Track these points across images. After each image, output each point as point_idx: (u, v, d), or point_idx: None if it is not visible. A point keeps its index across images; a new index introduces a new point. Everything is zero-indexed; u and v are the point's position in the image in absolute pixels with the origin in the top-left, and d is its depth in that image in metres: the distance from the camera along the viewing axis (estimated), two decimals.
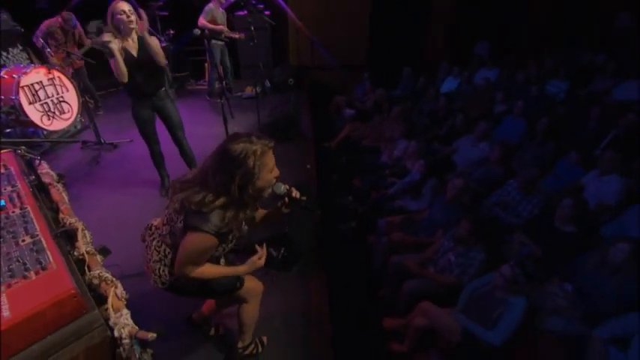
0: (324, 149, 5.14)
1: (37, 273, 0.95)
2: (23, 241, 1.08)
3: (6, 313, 0.84)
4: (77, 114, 4.33)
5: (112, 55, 2.66)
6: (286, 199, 1.57)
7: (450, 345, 2.35)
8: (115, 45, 2.65)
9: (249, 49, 5.53)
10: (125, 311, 0.98)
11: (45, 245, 1.06)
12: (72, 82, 4.27)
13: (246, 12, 6.29)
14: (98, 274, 1.07)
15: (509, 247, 2.86)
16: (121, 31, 2.72)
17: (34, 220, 1.18)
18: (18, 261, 0.99)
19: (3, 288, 0.91)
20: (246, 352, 2.03)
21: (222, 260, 1.76)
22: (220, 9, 5.26)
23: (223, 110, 3.21)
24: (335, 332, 2.39)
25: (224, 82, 5.12)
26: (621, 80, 4.68)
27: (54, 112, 4.07)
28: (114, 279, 1.08)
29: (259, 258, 1.65)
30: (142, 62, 2.85)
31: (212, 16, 5.00)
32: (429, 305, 2.46)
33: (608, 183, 3.00)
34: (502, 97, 4.78)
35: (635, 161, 3.19)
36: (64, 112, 4.18)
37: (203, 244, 1.39)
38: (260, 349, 2.09)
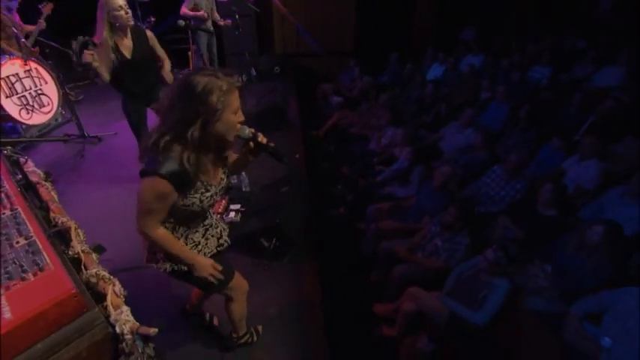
0: (312, 138, 5.15)
1: (35, 274, 0.96)
2: (17, 242, 1.08)
3: (7, 315, 0.86)
4: (58, 107, 4.20)
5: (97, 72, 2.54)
6: (251, 143, 1.43)
7: (437, 327, 2.45)
8: (97, 63, 2.49)
9: (235, 36, 5.42)
10: (125, 308, 1.00)
11: (40, 246, 1.06)
12: (50, 74, 4.14)
13: None
14: (95, 272, 1.08)
15: (494, 232, 2.97)
16: (116, 29, 2.52)
17: (27, 221, 1.17)
18: (14, 263, 1.00)
19: (2, 290, 0.92)
20: (241, 341, 2.08)
21: (211, 219, 1.65)
22: None
23: None
24: (328, 318, 2.47)
25: None
26: (601, 66, 4.79)
27: (33, 106, 3.95)
28: (111, 277, 1.09)
29: (212, 265, 1.53)
30: (135, 63, 2.68)
31: (194, 4, 4.87)
32: (417, 290, 2.55)
33: (587, 168, 3.11)
34: (487, 84, 4.84)
35: (612, 146, 3.32)
36: (43, 106, 4.06)
37: (155, 188, 1.24)
38: (255, 338, 2.14)
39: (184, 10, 4.83)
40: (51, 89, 4.15)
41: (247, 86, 4.63)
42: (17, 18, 4.42)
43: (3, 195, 1.28)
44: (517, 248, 2.43)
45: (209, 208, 1.51)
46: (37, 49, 4.41)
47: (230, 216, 2.89)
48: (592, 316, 2.20)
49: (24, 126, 4.06)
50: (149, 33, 2.83)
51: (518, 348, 2.29)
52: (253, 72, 5.97)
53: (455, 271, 2.62)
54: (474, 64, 5.51)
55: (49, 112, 4.14)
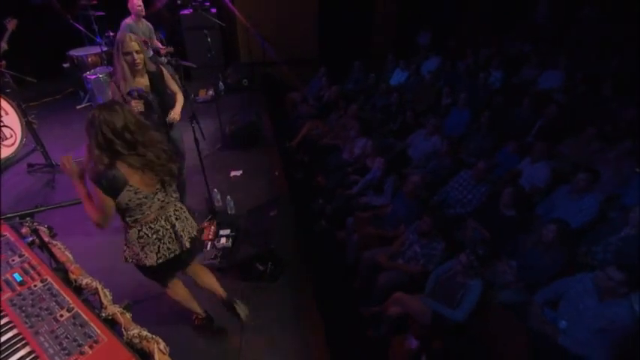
0: (285, 149, 5.26)
1: (91, 347, 1.06)
2: (62, 316, 1.15)
3: None
4: (22, 138, 4.02)
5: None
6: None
7: (422, 326, 2.73)
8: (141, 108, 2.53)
9: (200, 49, 5.36)
10: None
11: (86, 318, 1.15)
12: (11, 104, 3.94)
13: (191, 10, 6.09)
14: (138, 333, 1.19)
15: (464, 233, 3.30)
16: (132, 70, 2.49)
17: (61, 292, 1.24)
18: (67, 337, 1.08)
19: None
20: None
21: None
22: (143, 21, 4.65)
23: (194, 133, 2.98)
24: (326, 328, 2.67)
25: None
26: (544, 69, 5.30)
27: None
28: (153, 335, 1.20)
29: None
30: (152, 101, 2.60)
31: (129, 31, 4.51)
32: (401, 295, 2.80)
33: (539, 169, 3.53)
34: (448, 91, 5.18)
35: (557, 147, 3.77)
36: (6, 138, 3.87)
37: None
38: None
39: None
40: (12, 120, 3.96)
41: (217, 101, 4.63)
42: None
43: (27, 265, 1.34)
44: (486, 249, 2.76)
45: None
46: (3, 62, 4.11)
47: (221, 242, 2.99)
48: (551, 302, 2.58)
49: None
50: (164, 71, 2.76)
51: (493, 338, 2.62)
52: (221, 86, 5.96)
53: (433, 274, 2.91)
54: (432, 70, 5.84)
55: (13, 144, 3.96)
